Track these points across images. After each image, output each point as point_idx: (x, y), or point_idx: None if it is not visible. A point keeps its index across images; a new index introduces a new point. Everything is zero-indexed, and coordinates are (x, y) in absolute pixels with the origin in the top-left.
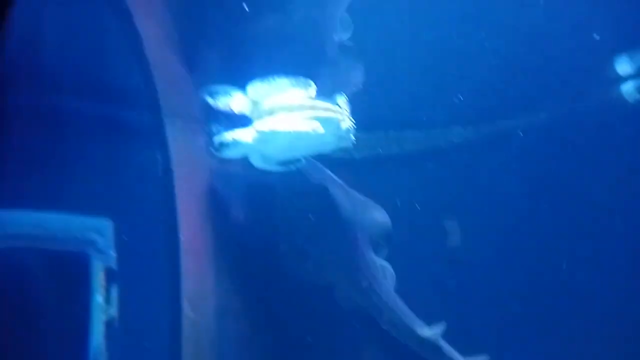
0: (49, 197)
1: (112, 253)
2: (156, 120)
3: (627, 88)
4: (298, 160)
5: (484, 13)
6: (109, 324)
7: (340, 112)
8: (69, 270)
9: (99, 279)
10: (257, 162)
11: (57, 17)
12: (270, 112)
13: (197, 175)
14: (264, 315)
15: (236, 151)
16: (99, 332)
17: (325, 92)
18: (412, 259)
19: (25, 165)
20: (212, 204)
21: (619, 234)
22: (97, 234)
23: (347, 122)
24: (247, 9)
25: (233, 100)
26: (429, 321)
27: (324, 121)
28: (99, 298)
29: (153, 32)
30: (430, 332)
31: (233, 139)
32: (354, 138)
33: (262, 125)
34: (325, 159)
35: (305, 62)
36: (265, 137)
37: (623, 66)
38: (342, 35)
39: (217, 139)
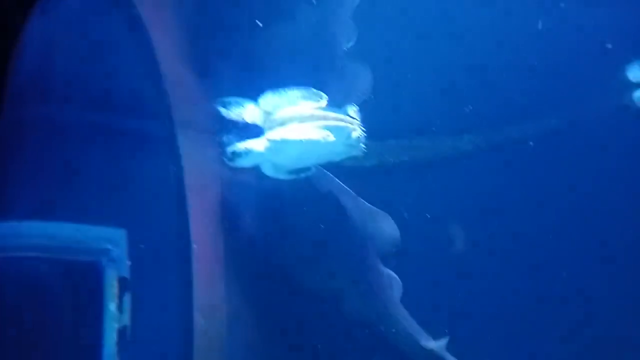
0: (63, 208)
1: (126, 262)
2: (169, 131)
3: (639, 95)
4: (308, 169)
5: (494, 20)
6: (121, 333)
7: (351, 122)
8: (83, 279)
9: (112, 288)
10: (268, 171)
11: (71, 30)
12: (282, 123)
13: (209, 185)
14: (273, 324)
15: (248, 160)
16: (111, 341)
17: (336, 102)
18: (419, 268)
19: (39, 176)
20: (223, 213)
21: (630, 243)
22: (110, 243)
23: (358, 131)
24: (260, 24)
25: (245, 111)
26: (435, 333)
27: (334, 130)
28: (112, 307)
29: (166, 44)
30: (435, 344)
31: (245, 148)
32: (364, 147)
33: (273, 134)
34: (335, 168)
35: (315, 71)
36: (276, 146)
37: (634, 73)
38: (349, 43)
39: (229, 149)
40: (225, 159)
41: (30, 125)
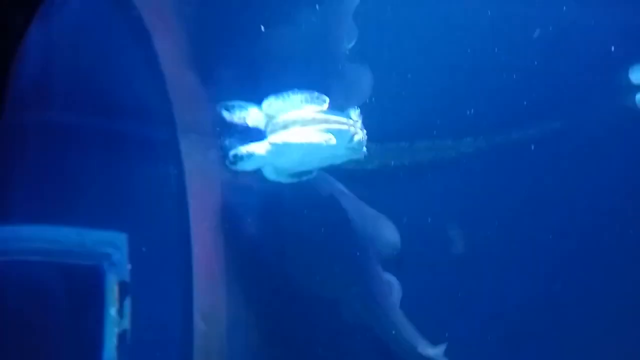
0: (64, 212)
1: (127, 266)
2: (170, 135)
3: None
4: (310, 172)
5: (496, 22)
6: (121, 337)
7: (353, 125)
8: (84, 283)
9: (113, 292)
10: (269, 174)
11: (73, 34)
12: (284, 126)
13: (210, 189)
14: (274, 328)
15: (250, 163)
16: (111, 345)
17: (338, 104)
18: (420, 273)
19: (41, 180)
20: (224, 217)
21: (632, 246)
22: (111, 247)
23: (360, 135)
24: (262, 29)
25: (247, 115)
26: (433, 339)
27: (337, 134)
28: (112, 311)
29: (168, 48)
30: (432, 350)
31: (247, 151)
32: (366, 150)
33: (275, 138)
34: (337, 170)
35: (317, 74)
36: (278, 150)
37: (636, 75)
38: (350, 43)
39: (231, 152)
40: (227, 162)
41: (32, 129)
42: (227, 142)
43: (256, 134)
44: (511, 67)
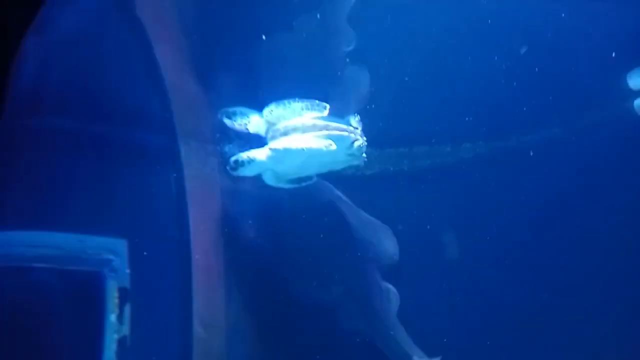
0: (64, 218)
1: (127, 272)
2: (171, 141)
3: (639, 103)
4: (310, 178)
5: (495, 27)
6: (121, 343)
7: (353, 131)
8: (85, 289)
9: (113, 298)
10: (269, 180)
11: (74, 40)
12: (285, 132)
13: (210, 195)
14: (273, 334)
15: (250, 169)
16: (111, 351)
17: (338, 109)
18: (418, 280)
19: (41, 186)
20: (224, 223)
21: (630, 251)
22: (112, 253)
23: (359, 141)
24: (263, 36)
25: (248, 122)
26: (430, 348)
27: (337, 140)
28: (112, 317)
29: (169, 55)
30: None
31: (248, 157)
32: (365, 156)
33: (276, 144)
34: (336, 176)
35: (317, 79)
36: (279, 156)
37: (634, 81)
38: (348, 47)
39: (232, 158)
40: (227, 168)
41: (32, 134)
42: (227, 148)
43: (256, 141)
44: (510, 72)
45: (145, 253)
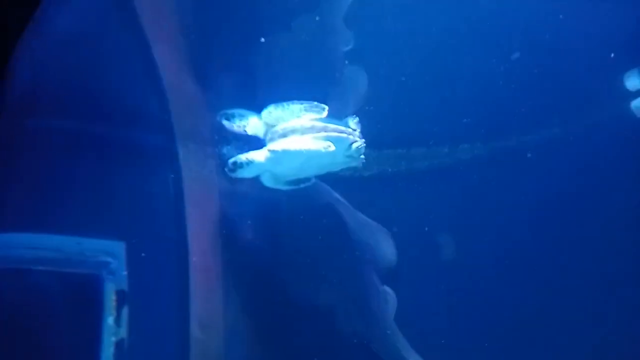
0: (62, 220)
1: (124, 275)
2: (169, 143)
3: (637, 104)
4: (308, 179)
5: (494, 28)
6: (118, 346)
7: (352, 133)
8: (82, 292)
9: (110, 301)
10: (267, 181)
11: (72, 40)
12: (283, 134)
13: (208, 197)
14: (271, 337)
15: (249, 171)
16: (109, 354)
17: (336, 110)
18: (416, 282)
19: (38, 188)
20: (222, 225)
21: (629, 253)
22: (109, 256)
23: (358, 142)
24: (263, 40)
25: (247, 123)
26: (426, 352)
27: (335, 141)
28: (110, 320)
29: (167, 56)
30: None
31: (246, 159)
32: (364, 157)
33: (274, 145)
34: (334, 178)
35: (316, 81)
36: (278, 157)
37: (632, 82)
38: (346, 47)
39: (231, 160)
40: (225, 170)
41: (29, 136)
42: (225, 150)
43: (255, 143)
44: (508, 73)
45: (143, 255)
